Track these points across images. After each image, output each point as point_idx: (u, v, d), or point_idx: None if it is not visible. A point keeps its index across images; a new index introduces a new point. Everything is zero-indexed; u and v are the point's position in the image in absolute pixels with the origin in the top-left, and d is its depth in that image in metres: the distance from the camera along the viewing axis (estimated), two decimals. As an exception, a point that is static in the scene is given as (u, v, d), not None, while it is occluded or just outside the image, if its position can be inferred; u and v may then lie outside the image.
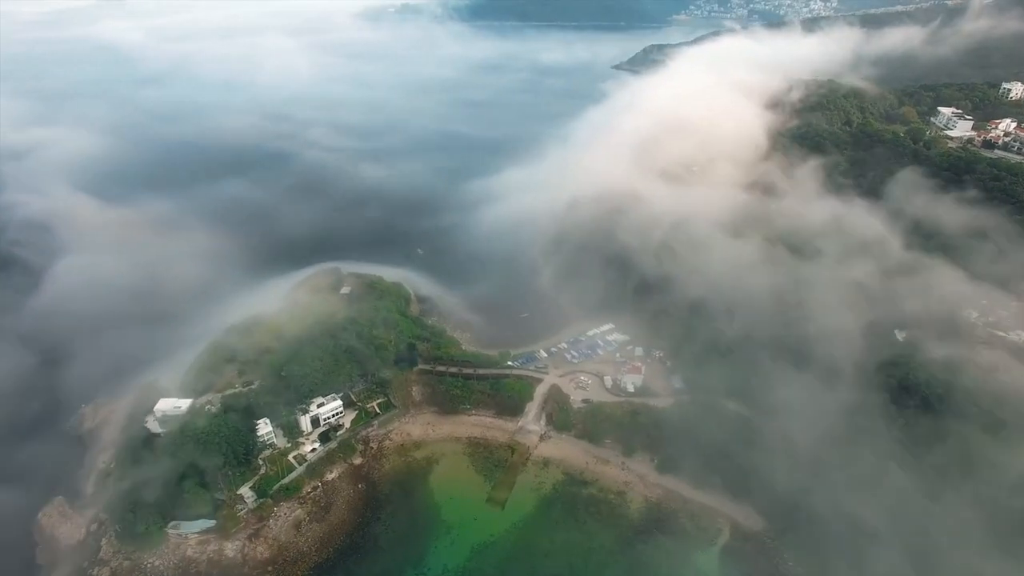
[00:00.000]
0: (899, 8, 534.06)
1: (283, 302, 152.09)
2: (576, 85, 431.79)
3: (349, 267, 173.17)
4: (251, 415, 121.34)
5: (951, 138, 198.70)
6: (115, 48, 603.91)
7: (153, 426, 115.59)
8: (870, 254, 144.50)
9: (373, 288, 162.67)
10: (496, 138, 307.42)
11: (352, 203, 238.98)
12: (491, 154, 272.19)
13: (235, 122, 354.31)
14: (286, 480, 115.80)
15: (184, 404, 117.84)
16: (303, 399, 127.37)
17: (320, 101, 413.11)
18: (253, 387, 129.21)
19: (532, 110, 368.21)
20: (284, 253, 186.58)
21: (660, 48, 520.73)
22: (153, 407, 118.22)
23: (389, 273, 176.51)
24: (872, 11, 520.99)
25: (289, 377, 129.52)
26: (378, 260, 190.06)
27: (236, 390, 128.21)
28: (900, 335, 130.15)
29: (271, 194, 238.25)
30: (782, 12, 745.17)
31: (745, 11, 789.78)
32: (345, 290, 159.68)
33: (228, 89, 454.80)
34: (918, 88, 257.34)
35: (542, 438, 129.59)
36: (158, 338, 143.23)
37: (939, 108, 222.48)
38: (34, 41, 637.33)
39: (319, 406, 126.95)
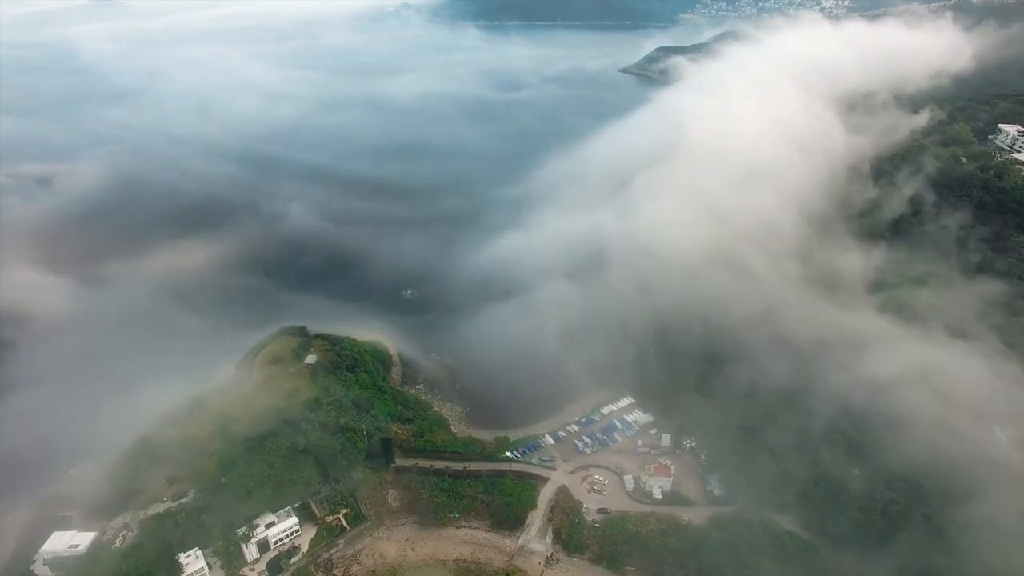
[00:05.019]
0: (918, 7, 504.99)
1: (233, 379, 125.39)
2: (626, 102, 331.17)
3: (318, 326, 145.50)
4: (178, 545, 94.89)
5: (1023, 164, 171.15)
6: (88, 56, 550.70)
7: (42, 571, 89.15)
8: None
9: (345, 354, 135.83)
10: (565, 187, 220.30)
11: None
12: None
13: (211, 168, 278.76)
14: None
15: (84, 540, 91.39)
16: (248, 518, 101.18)
17: (324, 136, 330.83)
18: (185, 500, 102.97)
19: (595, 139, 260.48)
20: (242, 313, 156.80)
21: (668, 51, 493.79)
22: (45, 542, 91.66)
23: (367, 329, 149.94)
24: (890, 10, 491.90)
25: (231, 486, 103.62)
26: (356, 309, 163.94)
27: (163, 506, 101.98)
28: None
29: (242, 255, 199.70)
30: (793, 11, 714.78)
31: (754, 9, 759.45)
32: (310, 359, 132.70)
33: (205, 116, 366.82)
34: (967, 101, 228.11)
35: (548, 562, 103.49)
36: (75, 429, 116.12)
37: (999, 126, 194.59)
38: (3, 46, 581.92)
39: (268, 526, 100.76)
